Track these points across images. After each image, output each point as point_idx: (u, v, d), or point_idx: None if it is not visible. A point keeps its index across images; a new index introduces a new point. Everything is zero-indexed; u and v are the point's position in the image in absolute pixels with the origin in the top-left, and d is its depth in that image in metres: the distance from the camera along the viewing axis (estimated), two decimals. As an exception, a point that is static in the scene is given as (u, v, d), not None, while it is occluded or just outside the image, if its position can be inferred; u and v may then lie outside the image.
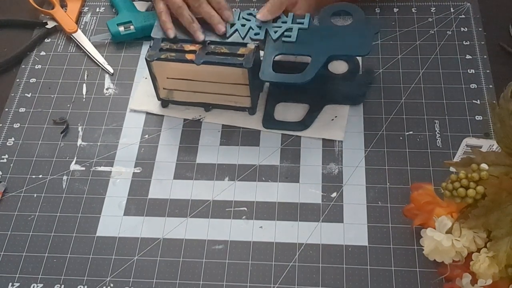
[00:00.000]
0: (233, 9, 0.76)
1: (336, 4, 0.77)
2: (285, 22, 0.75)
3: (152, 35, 0.75)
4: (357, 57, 0.81)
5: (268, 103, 0.79)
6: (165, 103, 0.80)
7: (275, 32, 0.74)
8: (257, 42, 0.73)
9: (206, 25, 0.75)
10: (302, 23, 0.74)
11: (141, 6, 0.92)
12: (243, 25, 0.75)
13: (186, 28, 0.75)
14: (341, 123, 0.77)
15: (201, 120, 0.79)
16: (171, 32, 0.74)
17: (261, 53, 0.74)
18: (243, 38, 0.74)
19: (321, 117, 0.78)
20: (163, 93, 0.79)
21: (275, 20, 0.75)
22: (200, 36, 0.74)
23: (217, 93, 0.78)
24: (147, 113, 0.81)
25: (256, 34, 0.74)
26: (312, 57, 0.72)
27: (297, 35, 0.73)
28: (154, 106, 0.81)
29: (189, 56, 0.73)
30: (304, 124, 0.77)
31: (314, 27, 0.74)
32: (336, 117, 0.77)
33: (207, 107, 0.79)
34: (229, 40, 0.74)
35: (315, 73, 0.70)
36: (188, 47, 0.74)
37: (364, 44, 0.72)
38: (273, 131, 0.77)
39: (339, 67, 0.80)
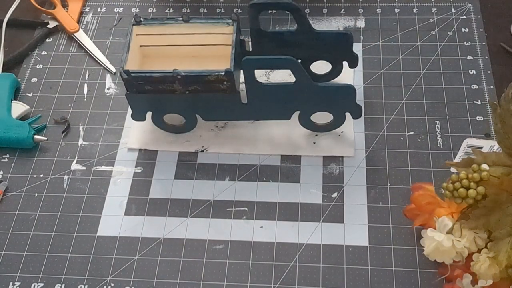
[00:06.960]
0: None
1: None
2: None
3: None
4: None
5: None
6: (129, 84, 0.70)
7: None
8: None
9: None
10: None
11: (18, 109, 0.81)
12: None
13: None
14: (349, 138, 0.75)
15: (204, 151, 0.76)
16: None
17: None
18: None
19: (328, 133, 0.76)
20: (134, 63, 0.73)
21: None
22: None
23: (196, 44, 0.75)
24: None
25: None
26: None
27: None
28: (151, 142, 0.77)
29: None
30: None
31: None
32: (342, 132, 0.76)
33: (183, 87, 0.70)
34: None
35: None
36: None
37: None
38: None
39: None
